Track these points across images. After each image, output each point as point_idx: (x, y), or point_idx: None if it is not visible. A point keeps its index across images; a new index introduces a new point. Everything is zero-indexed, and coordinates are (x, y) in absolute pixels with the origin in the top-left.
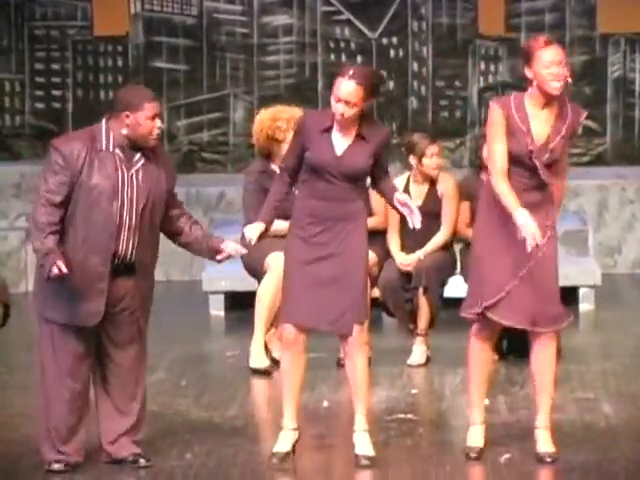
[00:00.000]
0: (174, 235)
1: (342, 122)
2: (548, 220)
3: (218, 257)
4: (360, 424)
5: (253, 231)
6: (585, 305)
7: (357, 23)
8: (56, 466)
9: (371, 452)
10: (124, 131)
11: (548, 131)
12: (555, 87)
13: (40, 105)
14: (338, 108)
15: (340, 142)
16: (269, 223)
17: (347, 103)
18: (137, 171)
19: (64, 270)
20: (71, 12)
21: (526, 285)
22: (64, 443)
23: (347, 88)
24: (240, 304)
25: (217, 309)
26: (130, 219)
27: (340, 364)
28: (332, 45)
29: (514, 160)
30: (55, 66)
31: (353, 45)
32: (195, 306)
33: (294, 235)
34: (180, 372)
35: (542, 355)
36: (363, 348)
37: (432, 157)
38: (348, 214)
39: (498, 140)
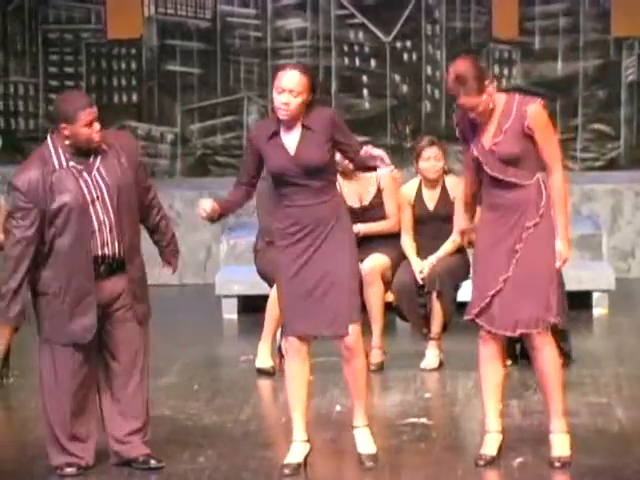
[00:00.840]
0: (149, 231)
1: (287, 116)
2: (528, 221)
3: (163, 264)
4: (359, 420)
5: (206, 203)
6: (598, 309)
7: (371, 27)
8: (68, 470)
9: (373, 449)
10: (67, 142)
11: (492, 131)
12: None
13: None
14: (282, 99)
15: (290, 141)
16: (222, 207)
17: (291, 92)
18: (98, 169)
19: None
20: (85, 15)
21: (510, 289)
22: (73, 439)
23: (291, 77)
24: (253, 308)
25: (230, 312)
26: (108, 218)
27: None
28: (346, 49)
29: (477, 167)
30: (69, 69)
31: (367, 49)
32: (208, 309)
33: (279, 247)
34: (192, 376)
35: (539, 358)
36: (360, 350)
37: (428, 160)
38: (326, 214)
39: (464, 156)
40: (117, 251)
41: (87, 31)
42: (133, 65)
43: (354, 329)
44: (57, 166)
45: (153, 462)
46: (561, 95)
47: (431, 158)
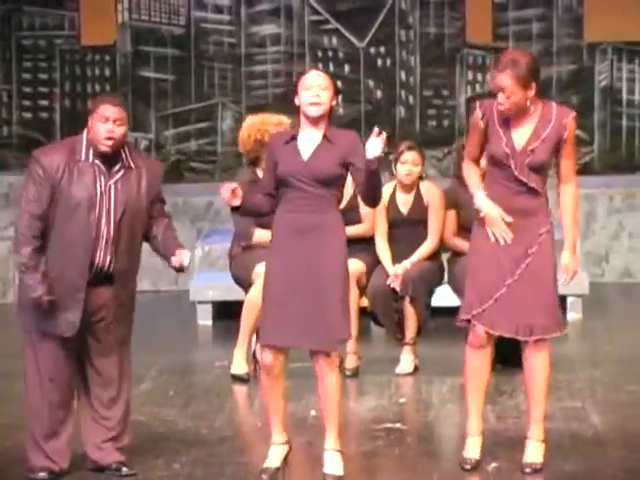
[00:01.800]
0: (148, 239)
1: (319, 111)
2: (541, 227)
3: (172, 261)
4: (331, 443)
5: (230, 185)
6: (573, 314)
7: (345, 32)
8: (41, 474)
9: (340, 471)
10: (90, 137)
11: (529, 135)
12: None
13: (28, 115)
14: (313, 92)
15: (306, 147)
16: (246, 200)
17: (320, 86)
18: (116, 182)
19: (44, 304)
20: (58, 22)
21: (515, 293)
22: (47, 442)
23: (317, 74)
24: (228, 314)
25: (205, 319)
26: (108, 230)
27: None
28: (320, 54)
29: (496, 164)
30: (43, 76)
31: (341, 54)
32: (183, 316)
33: (272, 250)
34: (167, 382)
35: (532, 365)
36: (336, 368)
37: (405, 163)
38: (323, 225)
39: (472, 138)
40: (107, 265)
41: (61, 37)
42: (107, 71)
43: (333, 353)
44: (83, 158)
45: (125, 470)
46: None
47: (408, 162)
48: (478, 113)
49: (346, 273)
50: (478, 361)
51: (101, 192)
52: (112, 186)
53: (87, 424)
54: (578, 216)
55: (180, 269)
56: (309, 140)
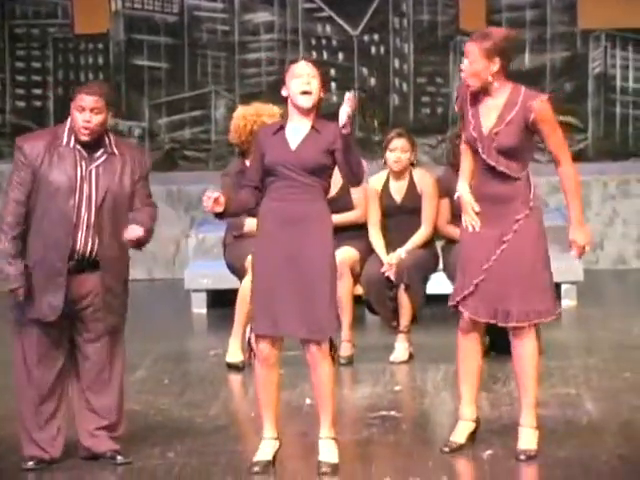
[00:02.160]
0: None
1: (310, 100)
2: (518, 213)
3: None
4: (325, 431)
5: (212, 193)
6: (567, 301)
7: (338, 20)
8: (30, 463)
9: (335, 459)
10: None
11: (495, 118)
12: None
13: (21, 103)
14: (304, 80)
15: (294, 137)
16: (227, 204)
17: (309, 75)
18: (97, 167)
19: (20, 298)
20: (51, 10)
21: (493, 278)
22: (37, 430)
23: (305, 64)
24: (222, 302)
25: (199, 307)
26: (88, 216)
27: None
28: (313, 42)
29: (471, 148)
30: (36, 64)
31: (334, 42)
32: (177, 304)
33: (258, 240)
34: (162, 370)
35: (518, 352)
36: (327, 357)
37: (394, 151)
38: (310, 215)
39: (462, 124)
40: (90, 250)
41: (54, 26)
42: (100, 60)
43: (325, 342)
44: (64, 142)
45: (120, 458)
46: (528, 87)
47: (397, 149)
48: (456, 96)
49: (333, 263)
50: (467, 346)
51: (81, 177)
52: (93, 170)
53: (80, 412)
54: (579, 192)
55: (133, 244)
56: (297, 130)
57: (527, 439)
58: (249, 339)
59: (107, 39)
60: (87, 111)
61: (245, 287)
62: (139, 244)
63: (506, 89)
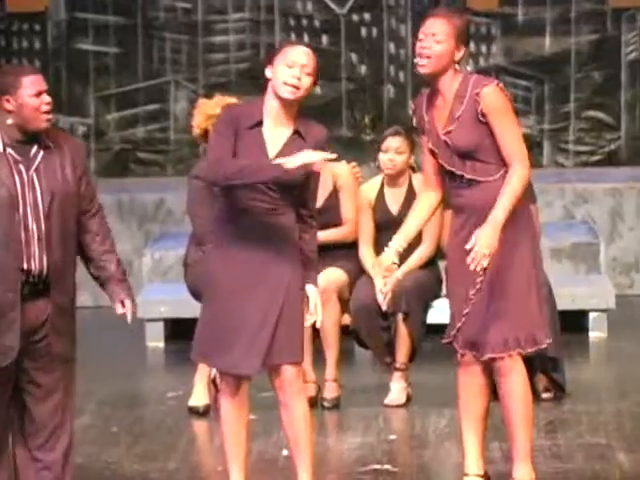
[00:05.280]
0: (85, 261)
1: (294, 94)
2: None
3: (117, 308)
4: None
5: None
6: (596, 333)
7: None
8: None
9: None
10: (9, 121)
11: (445, 117)
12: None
13: None
14: (294, 72)
15: (273, 140)
16: None
17: (304, 67)
18: (37, 169)
19: None
20: None
21: (477, 306)
22: None
23: (304, 52)
24: (183, 333)
25: (155, 339)
26: (38, 227)
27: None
28: (292, 23)
29: (433, 158)
30: None
31: (317, 22)
32: (129, 336)
33: (215, 258)
34: (110, 416)
35: (504, 389)
36: (302, 394)
37: (387, 151)
38: (278, 229)
39: (424, 157)
40: (45, 268)
41: None
42: (37, 43)
43: (295, 371)
44: None
45: None
46: (550, 77)
47: (391, 150)
48: (411, 110)
49: (302, 282)
50: (469, 386)
51: (22, 184)
52: (34, 175)
53: (23, 467)
54: (517, 198)
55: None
56: (277, 132)
57: None
58: (214, 377)
59: (45, 18)
60: (45, 94)
61: None
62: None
63: (456, 81)
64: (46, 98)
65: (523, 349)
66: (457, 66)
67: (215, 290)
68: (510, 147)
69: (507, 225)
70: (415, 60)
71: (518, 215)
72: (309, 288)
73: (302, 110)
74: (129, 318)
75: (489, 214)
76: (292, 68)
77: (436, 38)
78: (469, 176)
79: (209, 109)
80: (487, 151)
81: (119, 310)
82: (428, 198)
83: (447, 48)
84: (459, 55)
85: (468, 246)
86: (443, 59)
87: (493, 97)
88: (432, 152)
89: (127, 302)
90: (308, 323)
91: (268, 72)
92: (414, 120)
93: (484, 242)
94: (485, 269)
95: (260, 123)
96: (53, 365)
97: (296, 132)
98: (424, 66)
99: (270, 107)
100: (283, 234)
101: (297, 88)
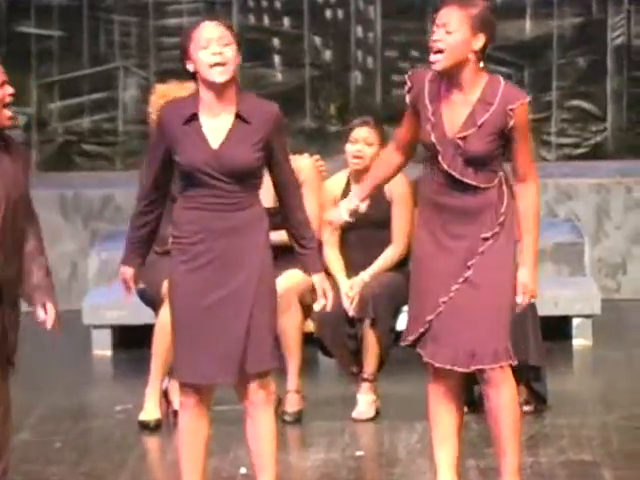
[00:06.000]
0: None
1: (226, 73)
2: (485, 231)
3: (37, 313)
4: None
5: (125, 285)
6: (580, 340)
7: None
8: None
9: None
10: None
11: (463, 118)
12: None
13: None
14: (214, 49)
15: (214, 130)
16: (139, 263)
17: (220, 39)
18: None
19: None
20: None
21: (456, 313)
22: None
23: (213, 26)
24: (133, 341)
25: (102, 348)
26: None
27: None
28: (251, 4)
29: (428, 152)
30: None
31: (278, 3)
32: (74, 344)
33: (176, 262)
34: (53, 431)
35: (494, 402)
36: (269, 405)
37: (355, 143)
38: (242, 226)
39: (403, 123)
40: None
41: None
42: None
43: (263, 381)
44: None
45: None
46: (530, 63)
47: (359, 141)
48: (407, 85)
49: (273, 282)
50: (438, 398)
51: None
52: None
53: None
54: (538, 221)
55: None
56: (217, 120)
57: None
58: (166, 389)
59: None
60: (8, 85)
61: (163, 321)
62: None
63: (480, 81)
64: (9, 89)
65: (513, 360)
66: (481, 63)
67: (178, 299)
68: (527, 163)
69: (501, 235)
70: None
71: (508, 225)
72: (314, 277)
73: (240, 90)
74: (49, 325)
75: (479, 219)
76: (209, 47)
77: (447, 28)
78: (468, 181)
79: (170, 92)
80: (494, 159)
81: (40, 317)
82: (396, 159)
83: (461, 37)
84: (478, 44)
85: (520, 300)
86: (458, 50)
87: (525, 114)
88: (430, 145)
89: (49, 306)
90: (317, 308)
91: (190, 66)
92: (407, 97)
93: (531, 286)
94: (465, 280)
95: (195, 116)
96: None
97: (238, 116)
98: (437, 62)
99: (205, 98)
100: (248, 231)
101: (224, 64)
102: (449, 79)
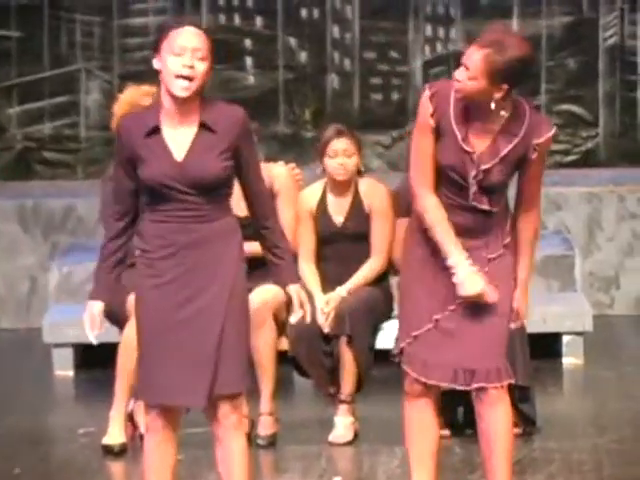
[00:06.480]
0: None
1: (189, 90)
2: (491, 252)
3: None
4: None
5: (92, 322)
6: (570, 359)
7: None
8: None
9: None
10: None
11: (486, 145)
12: None
13: None
14: (185, 61)
15: (178, 142)
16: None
17: (196, 52)
18: None
19: None
20: None
21: (451, 331)
22: None
23: (192, 33)
24: (96, 361)
25: (64, 368)
26: None
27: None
28: (221, 2)
29: (443, 171)
30: None
31: (250, 2)
32: (33, 364)
33: (143, 276)
34: (11, 455)
35: (489, 422)
36: (240, 429)
37: (336, 156)
38: (212, 239)
39: (422, 145)
40: None
41: None
42: None
43: (234, 403)
44: None
45: None
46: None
47: (339, 153)
48: (427, 106)
49: (246, 297)
50: (416, 419)
51: None
52: None
53: None
54: (534, 248)
55: None
56: (180, 131)
57: None
58: (131, 411)
59: None
60: None
61: (129, 339)
62: None
63: (506, 105)
64: None
65: (512, 378)
66: (506, 98)
67: (145, 315)
68: (538, 190)
69: (506, 256)
70: None
71: (511, 247)
72: (290, 288)
73: (205, 96)
74: None
75: (484, 240)
76: (181, 56)
77: (468, 74)
78: (483, 207)
79: (135, 96)
80: (505, 186)
81: None
82: (439, 204)
83: (478, 87)
84: (498, 95)
85: (513, 326)
86: (476, 96)
87: (548, 145)
88: (452, 170)
89: None
90: (294, 320)
91: (156, 63)
92: (430, 120)
93: (524, 307)
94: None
95: (157, 128)
96: None
97: (203, 125)
98: (457, 93)
99: (167, 105)
100: (219, 243)
101: (191, 79)
102: (472, 102)
